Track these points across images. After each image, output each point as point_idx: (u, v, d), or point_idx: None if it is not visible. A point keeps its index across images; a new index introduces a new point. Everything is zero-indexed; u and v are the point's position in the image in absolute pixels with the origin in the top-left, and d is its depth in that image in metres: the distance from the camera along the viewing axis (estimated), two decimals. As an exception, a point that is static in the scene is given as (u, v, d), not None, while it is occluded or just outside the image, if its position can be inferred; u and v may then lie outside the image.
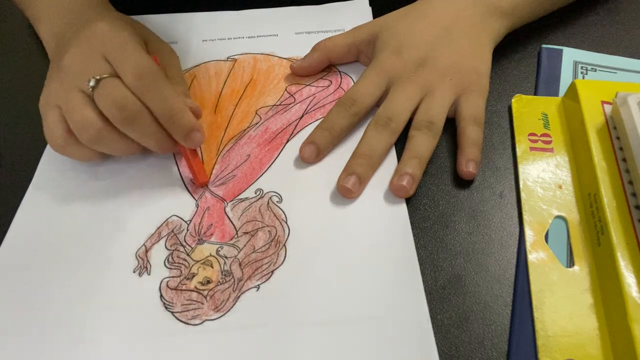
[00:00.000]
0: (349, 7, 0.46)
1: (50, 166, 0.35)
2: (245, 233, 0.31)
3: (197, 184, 0.33)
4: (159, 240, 0.31)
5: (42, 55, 0.45)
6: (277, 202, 0.33)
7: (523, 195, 0.32)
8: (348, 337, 0.27)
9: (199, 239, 0.31)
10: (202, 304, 0.28)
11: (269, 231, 0.31)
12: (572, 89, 0.35)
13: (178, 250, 0.31)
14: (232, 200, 0.33)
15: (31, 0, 0.39)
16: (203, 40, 0.44)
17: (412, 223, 0.31)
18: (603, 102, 0.33)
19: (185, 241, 0.31)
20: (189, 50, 0.43)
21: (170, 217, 0.32)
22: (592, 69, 0.39)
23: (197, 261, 0.30)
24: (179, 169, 0.35)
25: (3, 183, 0.35)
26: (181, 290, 0.29)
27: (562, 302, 0.27)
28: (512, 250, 0.30)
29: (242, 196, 0.33)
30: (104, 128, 0.30)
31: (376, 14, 0.44)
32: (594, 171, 0.30)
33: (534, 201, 0.31)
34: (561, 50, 0.40)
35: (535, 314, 0.27)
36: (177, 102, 0.31)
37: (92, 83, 0.30)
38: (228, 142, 0.36)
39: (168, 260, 0.30)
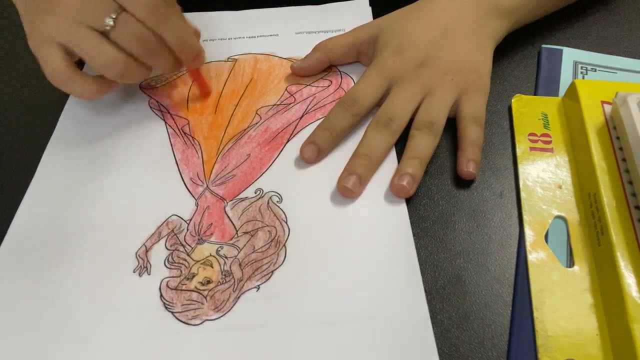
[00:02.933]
0: (349, 7, 0.46)
1: (50, 166, 0.35)
2: (245, 233, 0.31)
3: (202, 97, 0.38)
4: (159, 240, 0.31)
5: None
6: (277, 202, 0.33)
7: (523, 195, 0.32)
8: (348, 337, 0.27)
9: (198, 239, 0.31)
10: (202, 304, 0.28)
11: (269, 231, 0.31)
12: (572, 89, 0.35)
13: (178, 250, 0.31)
14: (232, 200, 0.33)
15: None
16: (203, 40, 0.44)
17: (412, 223, 0.31)
18: (603, 102, 0.33)
19: (185, 241, 0.31)
20: None
21: (170, 216, 0.32)
22: (592, 69, 0.39)
23: (197, 261, 0.30)
24: (179, 169, 0.35)
25: (3, 183, 0.35)
26: (181, 290, 0.29)
27: (562, 302, 0.27)
28: (512, 250, 0.30)
29: (242, 196, 0.33)
30: (129, 62, 0.33)
31: (376, 14, 0.44)
32: (594, 171, 0.30)
33: (534, 201, 0.31)
34: (561, 50, 0.40)
35: (535, 314, 0.27)
36: (187, 32, 0.35)
37: (110, 22, 0.31)
38: (228, 142, 0.36)
39: (168, 260, 0.30)
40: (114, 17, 0.32)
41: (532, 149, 0.34)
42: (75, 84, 0.34)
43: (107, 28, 0.32)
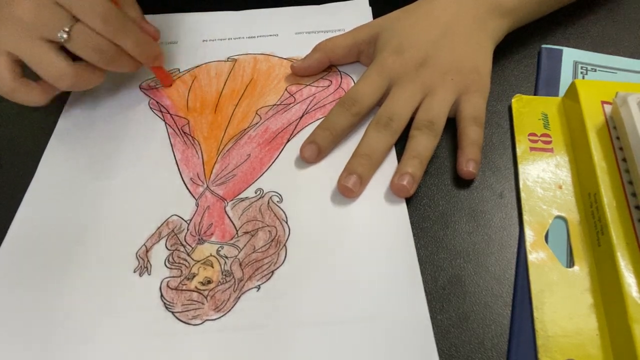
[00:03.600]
0: (349, 7, 0.46)
1: (51, 166, 0.36)
2: (246, 233, 0.31)
3: (165, 86, 0.40)
4: (159, 240, 0.31)
5: None
6: (277, 201, 0.33)
7: (523, 195, 0.32)
8: (348, 337, 0.27)
9: (199, 239, 0.31)
10: (203, 304, 0.28)
11: (269, 231, 0.31)
12: (572, 89, 0.35)
13: (178, 250, 0.31)
14: (232, 200, 0.33)
15: None
16: (203, 41, 0.44)
17: (412, 223, 0.31)
18: (603, 102, 0.33)
19: (185, 241, 0.31)
20: (189, 51, 0.43)
21: (171, 216, 0.32)
22: (592, 69, 0.39)
23: (198, 261, 0.30)
24: (179, 169, 0.35)
25: (3, 183, 0.35)
26: (182, 290, 0.29)
27: (562, 302, 0.27)
28: (512, 250, 0.30)
29: (242, 196, 0.33)
30: (79, 73, 0.34)
31: (376, 14, 0.44)
32: (594, 171, 0.30)
33: (534, 201, 0.31)
34: (561, 50, 0.40)
35: (535, 314, 0.27)
36: (142, 37, 0.36)
37: (64, 35, 0.32)
38: (228, 142, 0.36)
39: (168, 260, 0.30)
40: (67, 29, 0.32)
41: (532, 149, 0.34)
42: (20, 94, 0.34)
43: (62, 40, 0.32)
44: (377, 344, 0.26)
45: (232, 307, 0.28)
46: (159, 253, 0.31)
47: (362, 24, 0.40)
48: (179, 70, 0.42)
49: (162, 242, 0.31)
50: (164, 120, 0.38)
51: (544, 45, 0.40)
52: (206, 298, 0.29)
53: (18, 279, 0.30)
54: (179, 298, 0.29)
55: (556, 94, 0.37)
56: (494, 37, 0.38)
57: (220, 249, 0.31)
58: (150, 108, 0.39)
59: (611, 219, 0.28)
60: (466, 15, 0.37)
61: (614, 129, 0.32)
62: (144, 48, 0.36)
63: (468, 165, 0.33)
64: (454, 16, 0.37)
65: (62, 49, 0.33)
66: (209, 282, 0.29)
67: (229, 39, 0.44)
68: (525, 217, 0.31)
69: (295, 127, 0.37)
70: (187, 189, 0.34)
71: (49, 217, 0.33)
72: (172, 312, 0.28)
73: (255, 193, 0.33)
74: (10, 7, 0.32)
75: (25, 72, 0.34)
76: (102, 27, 0.33)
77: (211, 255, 0.30)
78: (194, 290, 0.29)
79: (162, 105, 0.39)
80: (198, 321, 0.28)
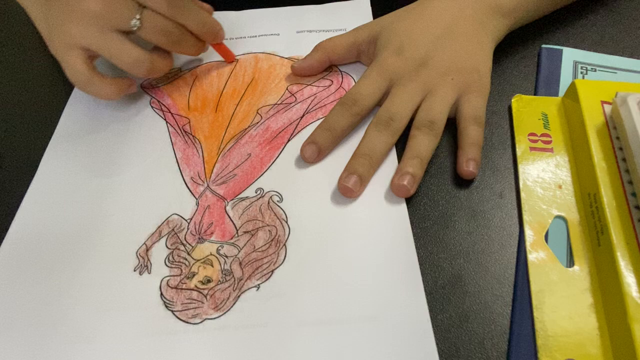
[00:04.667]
0: (350, 6, 0.46)
1: (52, 165, 0.36)
2: (246, 232, 0.31)
3: (227, 62, 0.42)
4: (159, 239, 0.31)
5: (42, 54, 0.45)
6: (277, 201, 0.33)
7: (523, 195, 0.32)
8: (348, 337, 0.27)
9: (199, 238, 0.31)
10: (203, 303, 0.28)
11: (269, 230, 0.31)
12: (572, 89, 0.35)
13: (178, 249, 0.31)
14: (232, 199, 0.33)
15: None
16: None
17: (412, 223, 0.31)
18: (603, 102, 0.33)
19: (185, 240, 0.31)
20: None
21: (171, 215, 0.32)
22: (592, 69, 0.39)
23: (198, 260, 0.30)
24: (179, 168, 0.35)
25: (3, 183, 0.35)
26: (181, 289, 0.29)
27: (562, 302, 0.27)
28: (512, 250, 0.30)
29: (242, 195, 0.33)
30: (154, 59, 0.36)
31: (377, 13, 0.44)
32: (594, 171, 0.30)
33: (534, 201, 0.31)
34: (561, 50, 0.40)
35: (535, 314, 0.27)
36: (204, 14, 0.37)
37: (136, 22, 0.34)
38: (229, 141, 0.36)
39: (168, 259, 0.30)
40: (138, 17, 0.34)
41: (532, 149, 0.34)
42: (96, 86, 0.35)
43: (134, 28, 0.34)
44: (377, 344, 0.26)
45: (232, 307, 0.28)
46: (159, 252, 0.31)
47: (363, 24, 0.40)
48: (180, 69, 0.42)
49: (162, 241, 0.31)
50: (165, 119, 0.38)
51: (544, 45, 0.41)
52: (206, 297, 0.29)
53: (18, 278, 0.30)
54: (179, 297, 0.29)
55: (556, 94, 0.37)
56: (494, 37, 0.38)
57: (220, 248, 0.31)
58: (152, 107, 0.39)
59: (611, 219, 0.28)
60: (466, 15, 0.37)
61: (614, 129, 0.32)
62: (206, 24, 0.38)
63: (468, 165, 0.33)
64: (454, 16, 0.37)
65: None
66: (209, 281, 0.29)
67: (230, 38, 0.44)
68: (525, 217, 0.31)
69: (296, 127, 0.37)
70: (188, 188, 0.34)
71: (50, 216, 0.33)
72: (172, 311, 0.28)
73: (256, 192, 0.33)
74: (80, 3, 0.33)
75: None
76: (167, 9, 0.34)
77: (211, 254, 0.30)
78: (193, 289, 0.29)
79: (163, 104, 0.39)
80: (198, 320, 0.28)
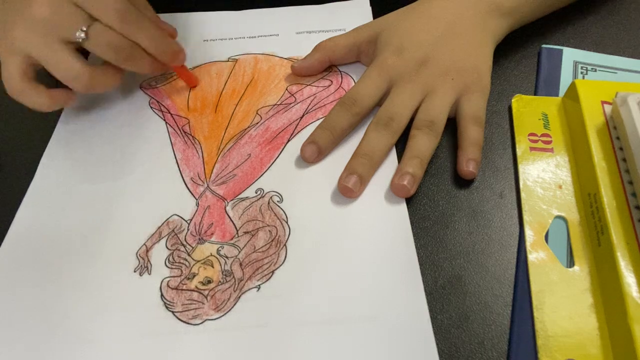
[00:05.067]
0: (349, 6, 0.46)
1: (51, 166, 0.36)
2: (246, 233, 0.31)
3: (190, 87, 0.40)
4: (159, 240, 0.31)
5: None
6: (277, 201, 0.33)
7: (523, 195, 0.32)
8: (348, 337, 0.27)
9: (199, 239, 0.31)
10: (203, 303, 0.28)
11: (269, 231, 0.31)
12: (572, 89, 0.35)
13: (179, 250, 0.31)
14: (232, 200, 0.33)
15: None
16: (204, 40, 0.44)
17: (412, 223, 0.31)
18: (603, 102, 0.33)
19: (185, 241, 0.31)
20: (190, 50, 0.43)
21: (171, 216, 0.32)
22: (592, 69, 0.39)
23: (198, 261, 0.30)
24: (179, 168, 0.35)
25: (3, 183, 0.35)
26: (182, 290, 0.29)
27: (562, 302, 0.27)
28: (512, 250, 0.30)
29: (242, 195, 0.33)
30: (93, 75, 0.34)
31: (377, 13, 0.44)
32: (594, 171, 0.30)
33: (534, 201, 0.31)
34: (561, 50, 0.40)
35: (535, 314, 0.27)
36: (159, 34, 0.35)
37: (81, 35, 0.32)
38: (229, 142, 0.36)
39: (169, 259, 0.30)
40: (84, 29, 0.32)
41: (532, 149, 0.34)
42: (27, 96, 0.34)
43: (80, 40, 0.32)
44: (377, 344, 0.26)
45: (232, 307, 0.28)
46: (160, 253, 0.31)
47: (363, 24, 0.40)
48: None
49: (163, 241, 0.31)
50: (164, 120, 0.38)
51: (544, 45, 0.40)
52: (206, 298, 0.29)
53: (18, 279, 0.30)
54: (179, 298, 0.29)
55: (556, 94, 0.37)
56: (494, 37, 0.38)
57: (220, 248, 0.31)
58: (151, 107, 0.39)
59: (611, 219, 0.28)
60: (466, 15, 0.37)
61: (614, 129, 0.32)
62: (161, 44, 0.36)
63: (468, 165, 0.33)
64: (455, 16, 0.37)
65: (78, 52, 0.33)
66: (209, 281, 0.29)
67: (229, 38, 0.44)
68: (526, 217, 0.31)
69: (296, 127, 0.37)
70: (188, 188, 0.34)
71: (49, 216, 0.33)
72: (172, 312, 0.28)
73: (256, 193, 0.33)
74: (28, 7, 0.32)
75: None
76: (119, 24, 0.33)
77: (211, 255, 0.30)
78: (194, 290, 0.29)
79: (162, 105, 0.39)
80: (198, 321, 0.28)
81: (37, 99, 0.34)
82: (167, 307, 0.28)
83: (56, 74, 0.33)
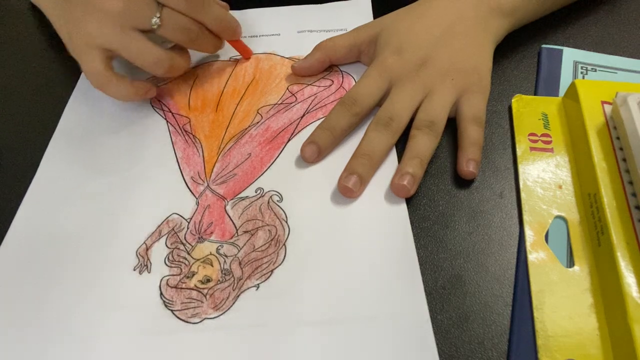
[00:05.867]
0: (350, 6, 0.46)
1: (52, 165, 0.36)
2: (246, 232, 0.31)
3: (245, 58, 0.42)
4: (159, 239, 0.31)
5: (42, 54, 0.45)
6: (277, 201, 0.33)
7: (523, 195, 0.32)
8: (348, 337, 0.27)
9: (199, 237, 0.31)
10: (202, 302, 0.28)
11: (269, 230, 0.31)
12: (572, 89, 0.35)
13: (178, 249, 0.31)
14: (232, 199, 0.33)
15: None
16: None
17: (412, 223, 0.31)
18: (603, 102, 0.33)
19: (185, 239, 0.31)
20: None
21: (171, 215, 0.32)
22: (592, 69, 0.39)
23: (197, 259, 0.30)
24: (179, 167, 0.35)
25: (3, 183, 0.35)
26: (181, 288, 0.29)
27: (562, 302, 0.27)
28: (512, 250, 0.30)
29: (242, 195, 0.33)
30: (174, 57, 0.36)
31: (377, 13, 0.44)
32: (594, 171, 0.30)
33: (534, 201, 0.31)
34: (561, 50, 0.40)
35: (535, 314, 0.27)
36: (222, 12, 0.38)
37: (157, 21, 0.34)
38: (229, 141, 0.36)
39: (168, 258, 0.30)
40: (158, 15, 0.34)
41: (532, 149, 0.34)
42: (114, 87, 0.36)
43: (155, 27, 0.34)
44: (377, 344, 0.26)
45: (231, 306, 0.28)
46: (159, 251, 0.31)
47: (363, 24, 0.40)
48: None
49: (162, 240, 0.31)
50: (165, 119, 0.38)
51: (544, 45, 0.41)
52: (205, 296, 0.29)
53: (18, 278, 0.30)
54: (179, 296, 0.29)
55: (556, 94, 0.37)
56: (495, 37, 0.38)
57: (220, 247, 0.31)
58: (152, 106, 0.39)
59: (611, 219, 0.28)
60: (467, 16, 0.37)
61: (614, 129, 0.32)
62: (224, 21, 0.38)
63: (468, 165, 0.33)
64: (455, 16, 0.37)
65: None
66: (209, 280, 0.29)
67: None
68: (525, 217, 0.31)
69: (297, 127, 0.37)
70: (188, 187, 0.34)
71: (50, 216, 0.33)
72: (172, 310, 0.28)
73: (256, 192, 0.33)
74: (100, 2, 0.33)
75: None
76: (186, 7, 0.35)
77: (211, 253, 0.30)
78: (193, 289, 0.29)
79: (163, 104, 0.39)
80: (197, 319, 0.28)
81: (122, 88, 0.36)
82: (166, 306, 0.28)
83: (138, 62, 0.35)
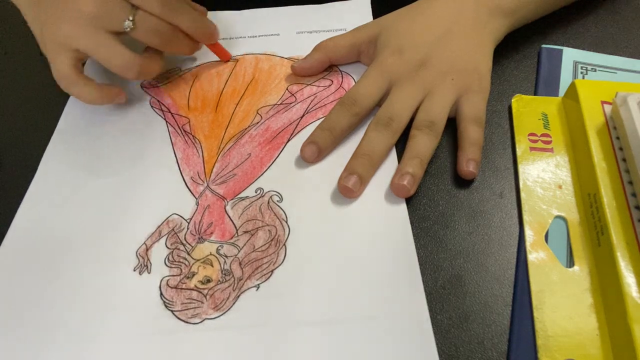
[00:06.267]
0: (350, 6, 0.46)
1: (52, 165, 0.36)
2: (246, 232, 0.31)
3: (224, 61, 0.42)
4: (159, 239, 0.31)
5: (42, 55, 0.45)
6: (277, 201, 0.33)
7: (523, 195, 0.32)
8: (348, 337, 0.27)
9: (199, 238, 0.31)
10: (202, 302, 0.28)
11: (269, 230, 0.31)
12: (572, 89, 0.35)
13: (178, 249, 0.31)
14: (232, 199, 0.33)
15: None
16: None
17: (412, 223, 0.31)
18: (603, 102, 0.33)
19: (185, 240, 0.31)
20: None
21: (171, 215, 0.32)
22: (592, 69, 0.39)
23: (197, 260, 0.30)
24: (179, 168, 0.35)
25: (3, 183, 0.35)
26: (181, 289, 0.29)
27: (562, 302, 0.27)
28: (512, 250, 0.30)
29: (242, 195, 0.33)
30: (143, 61, 0.35)
31: (377, 13, 0.44)
32: (594, 171, 0.30)
33: (534, 201, 0.31)
34: (561, 50, 0.40)
35: (535, 314, 0.27)
36: (197, 15, 0.37)
37: (129, 24, 0.34)
38: (229, 141, 0.36)
39: (168, 258, 0.30)
40: (131, 18, 0.34)
41: (532, 149, 0.34)
42: (80, 89, 0.35)
43: (128, 29, 0.34)
44: (377, 344, 0.26)
45: (232, 306, 0.28)
46: (159, 252, 0.31)
47: (363, 24, 0.40)
48: (180, 69, 0.42)
49: (162, 240, 0.31)
50: (164, 119, 0.38)
51: (544, 45, 0.40)
52: (205, 297, 0.29)
53: (18, 278, 0.30)
54: (179, 297, 0.29)
55: (556, 94, 0.37)
56: (494, 37, 0.38)
57: (220, 248, 0.31)
58: (151, 107, 0.39)
59: (611, 219, 0.28)
60: (466, 16, 0.37)
61: (614, 129, 0.32)
62: (199, 24, 0.38)
63: (468, 165, 0.33)
64: (454, 16, 0.37)
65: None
66: (209, 281, 0.29)
67: (230, 38, 0.44)
68: (525, 217, 0.31)
69: (296, 127, 0.37)
70: (188, 188, 0.34)
71: (50, 216, 0.33)
72: (172, 311, 0.28)
73: (256, 192, 0.33)
74: (73, 4, 0.33)
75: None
76: (160, 10, 0.35)
77: (211, 254, 0.30)
78: (193, 289, 0.29)
79: (163, 104, 0.39)
80: (197, 320, 0.28)
81: (88, 91, 0.35)
82: (166, 306, 0.28)
83: (108, 65, 0.35)
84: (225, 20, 0.45)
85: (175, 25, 0.36)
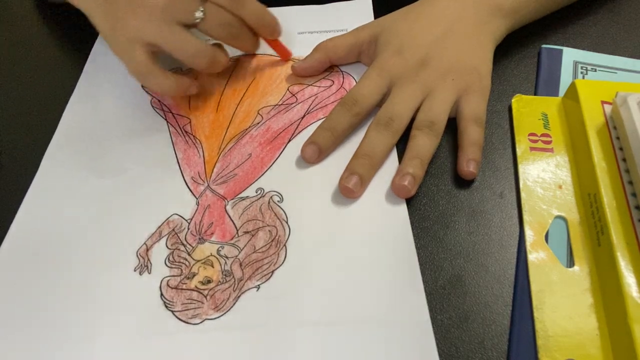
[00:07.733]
0: (351, 6, 0.46)
1: (52, 165, 0.36)
2: (246, 232, 0.31)
3: (284, 60, 0.42)
4: (159, 239, 0.31)
5: (42, 54, 0.45)
6: (278, 201, 0.33)
7: (523, 195, 0.32)
8: (348, 337, 0.27)
9: (199, 238, 0.31)
10: (203, 303, 0.28)
11: (269, 231, 0.31)
12: (572, 89, 0.35)
13: (179, 250, 0.31)
14: (232, 199, 0.33)
15: None
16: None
17: (412, 223, 0.31)
18: (603, 102, 0.33)
19: (186, 240, 0.31)
20: None
21: (171, 215, 0.32)
22: (592, 69, 0.39)
23: (198, 260, 0.30)
24: (180, 168, 0.35)
25: (3, 183, 0.35)
26: (181, 289, 0.29)
27: (562, 302, 0.27)
28: (512, 250, 0.30)
29: (243, 195, 0.33)
30: (215, 51, 0.36)
31: (378, 14, 0.44)
32: (594, 171, 0.30)
33: (534, 201, 0.31)
34: (561, 50, 0.40)
35: (535, 314, 0.27)
36: (262, 9, 0.38)
37: (200, 14, 0.34)
38: (230, 141, 0.36)
39: (169, 259, 0.30)
40: (201, 9, 0.34)
41: (532, 149, 0.34)
42: (157, 78, 0.36)
43: (198, 21, 0.34)
44: (377, 344, 0.26)
45: (232, 307, 0.28)
46: (160, 252, 0.31)
47: (363, 24, 0.40)
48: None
49: (163, 241, 0.31)
50: (165, 119, 0.38)
51: (544, 45, 0.41)
52: (206, 297, 0.29)
53: (18, 278, 0.30)
54: (179, 297, 0.29)
55: (556, 94, 0.37)
56: (495, 37, 0.38)
57: (220, 248, 0.31)
58: (153, 107, 0.39)
59: (611, 219, 0.28)
60: (467, 16, 0.37)
61: (614, 129, 0.32)
62: (264, 17, 0.38)
63: (468, 165, 0.33)
64: (455, 16, 0.37)
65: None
66: (209, 281, 0.29)
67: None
68: (526, 217, 0.31)
69: (297, 127, 0.37)
70: (188, 188, 0.34)
71: (50, 216, 0.33)
72: (172, 311, 0.28)
73: (256, 192, 0.33)
74: None
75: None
76: (229, 2, 0.35)
77: (211, 254, 0.30)
78: (193, 290, 0.29)
79: (164, 104, 0.39)
80: (197, 320, 0.28)
81: (165, 82, 0.36)
82: (166, 307, 0.28)
83: (180, 54, 0.35)
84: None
85: (241, 19, 0.36)
